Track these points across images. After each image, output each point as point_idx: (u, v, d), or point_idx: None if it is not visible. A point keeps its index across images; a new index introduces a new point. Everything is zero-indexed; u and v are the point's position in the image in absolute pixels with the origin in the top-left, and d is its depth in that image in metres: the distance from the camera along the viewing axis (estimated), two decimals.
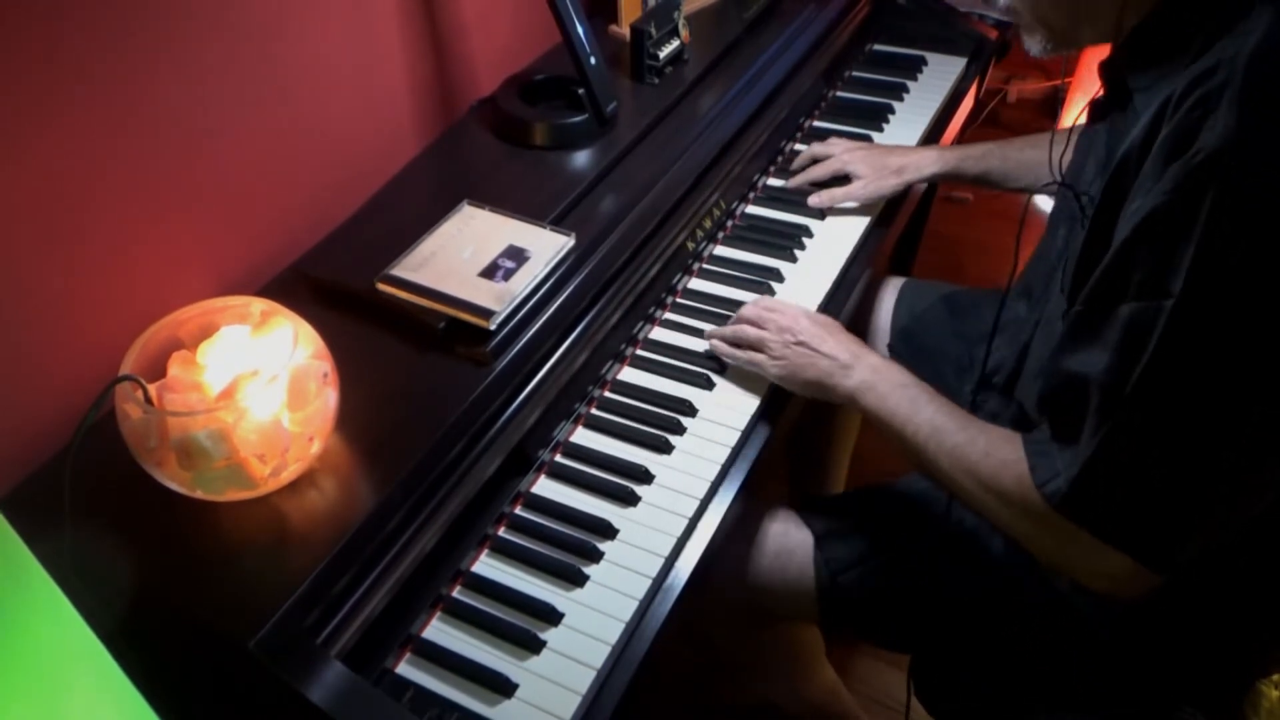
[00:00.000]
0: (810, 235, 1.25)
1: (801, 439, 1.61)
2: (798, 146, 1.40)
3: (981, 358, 1.05)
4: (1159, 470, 0.70)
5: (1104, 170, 0.82)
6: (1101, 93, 0.87)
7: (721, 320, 1.12)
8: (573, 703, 0.79)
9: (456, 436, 0.86)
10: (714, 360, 1.07)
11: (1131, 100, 0.80)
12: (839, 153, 1.29)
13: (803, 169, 1.32)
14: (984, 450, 0.83)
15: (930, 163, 1.26)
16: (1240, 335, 0.66)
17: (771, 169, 1.36)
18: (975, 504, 0.84)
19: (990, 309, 1.22)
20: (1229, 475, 0.70)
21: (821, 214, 1.28)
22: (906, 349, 1.29)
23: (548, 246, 0.99)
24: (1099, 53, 0.83)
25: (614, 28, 1.37)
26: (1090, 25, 0.81)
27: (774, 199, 1.31)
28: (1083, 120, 0.92)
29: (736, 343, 1.05)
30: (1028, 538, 0.81)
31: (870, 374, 0.94)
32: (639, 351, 1.10)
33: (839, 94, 1.51)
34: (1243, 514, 0.74)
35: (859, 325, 1.33)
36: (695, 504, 0.94)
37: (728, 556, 1.06)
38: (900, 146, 1.33)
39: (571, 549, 0.90)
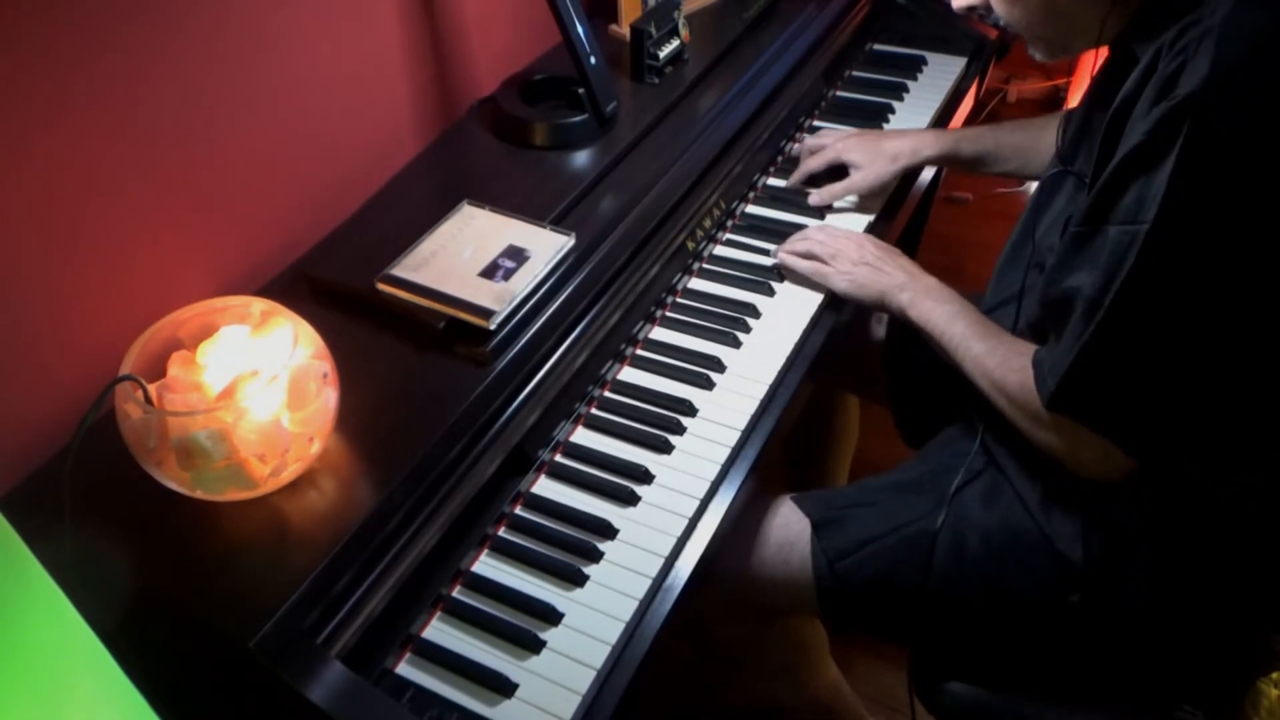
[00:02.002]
0: None
1: (802, 441, 1.61)
2: (798, 146, 1.40)
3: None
4: (1134, 369, 0.80)
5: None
6: (1107, 61, 0.93)
7: (722, 320, 1.12)
8: (573, 703, 0.79)
9: (456, 436, 0.86)
10: (714, 360, 1.07)
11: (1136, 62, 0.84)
12: (832, 142, 1.29)
13: (799, 164, 1.31)
14: (1000, 358, 0.94)
15: (927, 145, 1.26)
16: (1205, 254, 0.74)
17: (771, 169, 1.36)
18: (991, 401, 0.95)
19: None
20: (1194, 372, 0.80)
21: (821, 213, 1.28)
22: (904, 352, 1.29)
23: (548, 246, 0.99)
24: (1102, 54, 0.86)
25: (614, 28, 1.37)
26: (1079, 37, 0.89)
27: (774, 199, 1.31)
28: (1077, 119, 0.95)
29: (807, 254, 1.16)
30: (1027, 431, 0.91)
31: (922, 293, 1.08)
32: (639, 351, 1.10)
33: (839, 94, 1.51)
34: (1207, 406, 0.83)
35: (858, 322, 1.33)
36: (695, 504, 0.94)
37: (730, 552, 1.06)
38: (894, 130, 1.34)
39: (571, 549, 0.90)
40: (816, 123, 1.45)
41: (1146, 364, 0.79)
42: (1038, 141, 1.23)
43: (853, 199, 1.28)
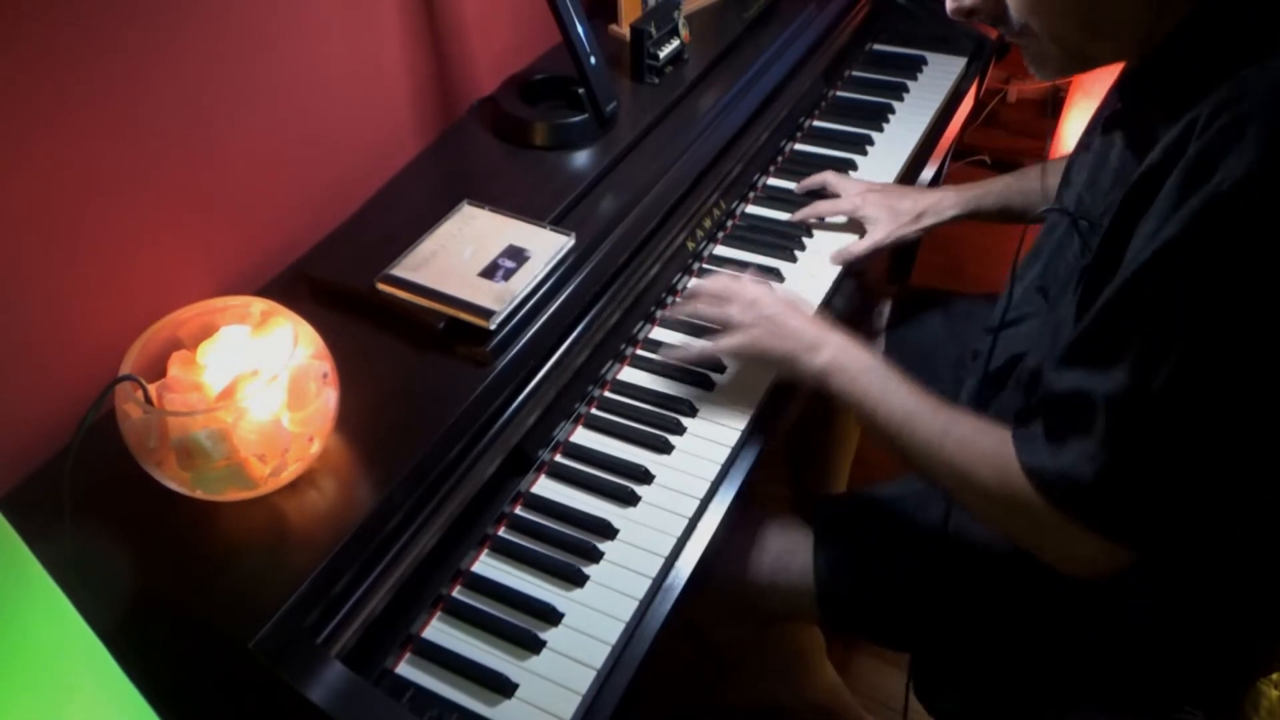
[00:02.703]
0: (810, 235, 1.25)
1: (802, 441, 1.61)
2: (798, 146, 1.40)
3: (984, 352, 1.05)
4: (1159, 481, 0.73)
5: (1120, 182, 0.82)
6: (1114, 107, 0.86)
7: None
8: (573, 703, 0.79)
9: (456, 436, 0.86)
10: (714, 360, 1.07)
11: (1150, 118, 0.79)
12: (852, 194, 1.23)
13: (808, 192, 1.29)
14: (959, 440, 0.83)
15: (950, 205, 1.22)
16: (1250, 365, 0.68)
17: (771, 169, 1.36)
18: (947, 488, 0.86)
19: (987, 314, 1.22)
20: (1225, 483, 0.74)
21: (822, 217, 1.27)
22: (903, 356, 1.29)
23: (548, 246, 0.99)
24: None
25: (614, 28, 1.37)
26: (1112, 41, 0.79)
27: (774, 199, 1.31)
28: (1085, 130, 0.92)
29: (692, 321, 1.04)
30: (1001, 524, 0.84)
31: (839, 353, 0.93)
32: (639, 351, 1.10)
33: (839, 94, 1.51)
34: (1232, 509, 0.78)
35: (860, 319, 1.33)
36: (695, 504, 0.94)
37: (729, 557, 1.06)
38: (913, 188, 1.29)
39: (571, 549, 0.90)
40: (817, 123, 1.45)
41: (1176, 471, 0.73)
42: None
43: (841, 218, 1.25)
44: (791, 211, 1.28)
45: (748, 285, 1.02)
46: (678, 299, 1.16)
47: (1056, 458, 0.77)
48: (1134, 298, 0.71)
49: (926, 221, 1.21)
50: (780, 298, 1.00)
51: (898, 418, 0.87)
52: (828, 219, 1.26)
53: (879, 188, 1.26)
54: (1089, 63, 0.82)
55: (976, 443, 0.82)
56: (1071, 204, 0.92)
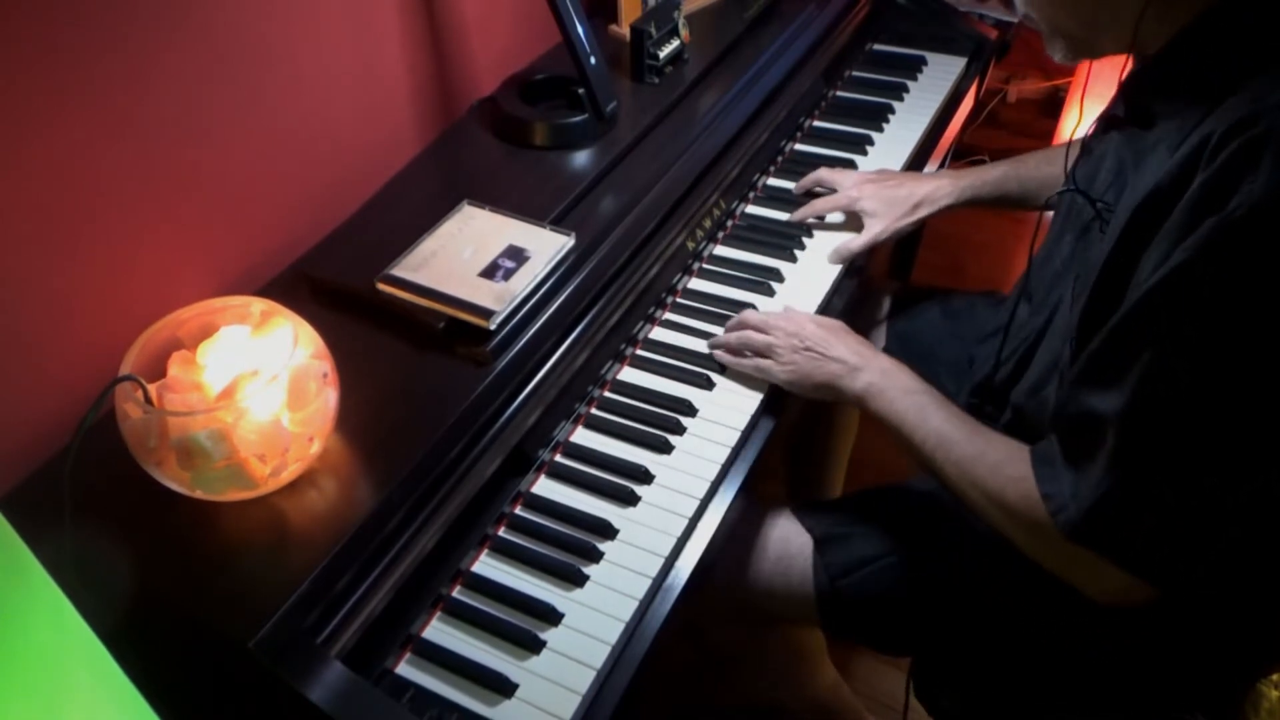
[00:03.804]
0: (810, 236, 1.25)
1: (799, 442, 1.61)
2: (798, 146, 1.40)
3: (979, 360, 1.05)
4: (1169, 507, 0.72)
5: (1119, 180, 0.82)
6: (1116, 107, 0.86)
7: (722, 320, 1.12)
8: (573, 703, 0.79)
9: (456, 436, 0.86)
10: (714, 360, 1.07)
11: (1155, 122, 0.79)
12: (848, 187, 1.23)
13: (805, 191, 1.28)
14: (991, 465, 0.84)
15: (946, 194, 1.21)
16: (1257, 392, 0.67)
17: (771, 169, 1.36)
18: (980, 513, 0.86)
19: (986, 312, 1.22)
20: (1236, 511, 0.73)
21: (821, 215, 1.27)
22: (902, 352, 1.29)
23: (548, 246, 0.99)
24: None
25: (614, 28, 1.37)
26: (1107, 35, 0.80)
27: (774, 199, 1.31)
28: (1093, 127, 0.91)
29: (741, 349, 1.05)
30: (1032, 550, 0.83)
31: (879, 377, 0.95)
32: (639, 351, 1.10)
33: (839, 94, 1.51)
34: (1248, 533, 0.76)
35: (856, 329, 1.33)
36: (695, 504, 0.94)
37: (729, 562, 1.06)
38: (910, 175, 1.28)
39: (571, 549, 0.90)
40: (817, 123, 1.45)
41: (1184, 497, 0.72)
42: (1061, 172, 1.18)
43: (840, 216, 1.25)
44: (791, 211, 1.28)
45: (793, 315, 1.05)
46: (677, 299, 1.16)
47: (1066, 480, 0.77)
48: (1144, 319, 0.70)
49: (923, 211, 1.20)
50: (824, 323, 1.03)
51: (932, 441, 0.88)
52: (827, 217, 1.25)
53: (874, 177, 1.25)
54: (1093, 50, 0.82)
55: (1006, 466, 0.83)
56: (1069, 201, 0.92)
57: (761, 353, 1.03)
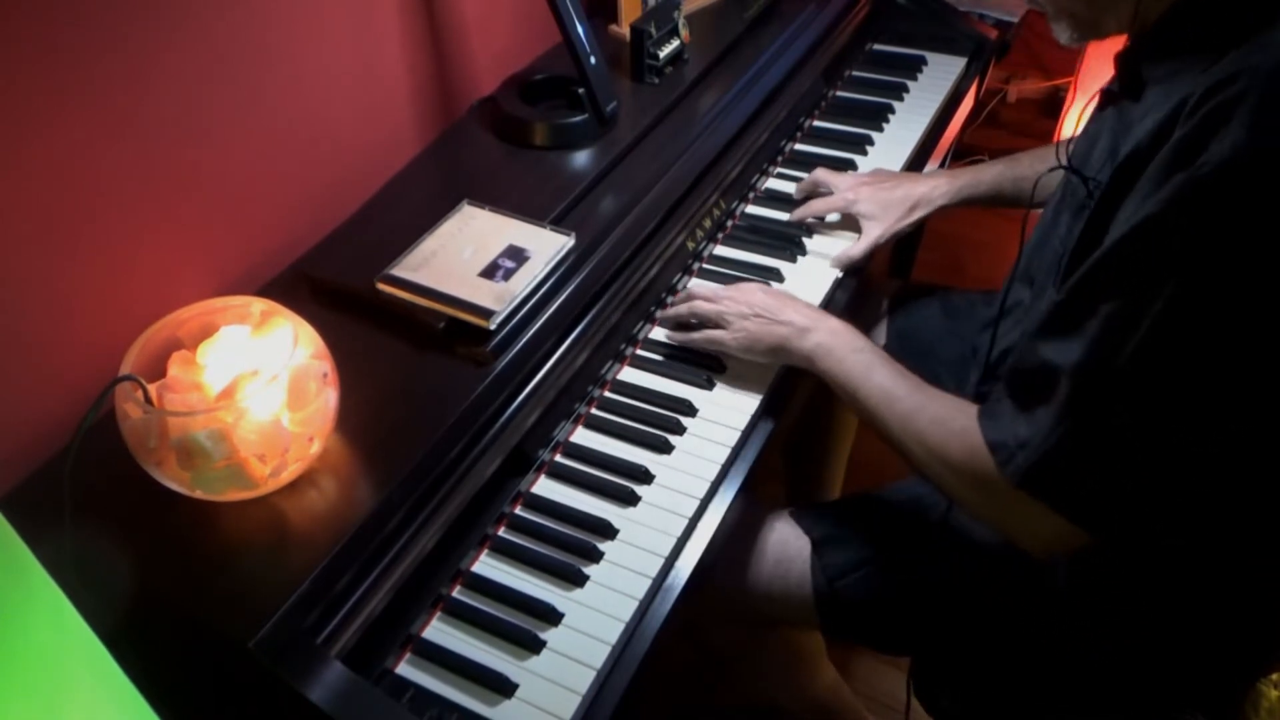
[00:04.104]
0: (810, 236, 1.25)
1: (798, 444, 1.61)
2: (798, 146, 1.40)
3: (982, 350, 1.05)
4: (1121, 454, 0.73)
5: (1111, 158, 0.82)
6: (1114, 81, 0.86)
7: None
8: (573, 703, 0.79)
9: (456, 436, 0.86)
10: (714, 360, 1.07)
11: (1145, 90, 0.79)
12: (843, 189, 1.23)
13: (803, 198, 1.28)
14: (933, 417, 0.86)
15: (941, 194, 1.21)
16: (1214, 339, 0.68)
17: (772, 169, 1.36)
18: (921, 468, 0.88)
19: (986, 310, 1.22)
20: (1182, 462, 0.74)
21: (819, 216, 1.27)
22: (902, 350, 1.29)
23: (548, 246, 0.99)
24: (1101, 54, 0.83)
25: (614, 28, 1.37)
26: (1111, 15, 0.81)
27: (774, 199, 1.31)
28: (1091, 110, 0.91)
29: (689, 320, 1.08)
30: (972, 503, 0.85)
31: (828, 337, 0.98)
32: (639, 351, 1.10)
33: (839, 94, 1.51)
34: (1190, 490, 0.78)
35: (856, 326, 1.33)
36: (695, 504, 0.94)
37: (728, 565, 1.06)
38: (906, 175, 1.28)
39: (571, 549, 0.90)
40: (817, 123, 1.45)
41: (1134, 449, 0.73)
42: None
43: (837, 215, 1.25)
44: (791, 212, 1.28)
45: (741, 286, 1.07)
46: (675, 298, 1.16)
47: (1016, 430, 0.78)
48: (1107, 271, 0.71)
49: (920, 212, 1.21)
50: (772, 291, 1.05)
51: (876, 396, 0.91)
52: (825, 217, 1.25)
53: (869, 179, 1.25)
54: (1098, 29, 0.83)
55: (949, 421, 0.85)
56: (1064, 182, 0.93)
57: (712, 323, 1.05)
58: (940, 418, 0.86)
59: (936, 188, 1.22)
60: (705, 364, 1.07)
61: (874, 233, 1.20)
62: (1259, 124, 0.63)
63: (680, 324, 1.09)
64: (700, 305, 1.06)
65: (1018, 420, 0.78)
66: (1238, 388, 0.70)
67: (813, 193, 1.28)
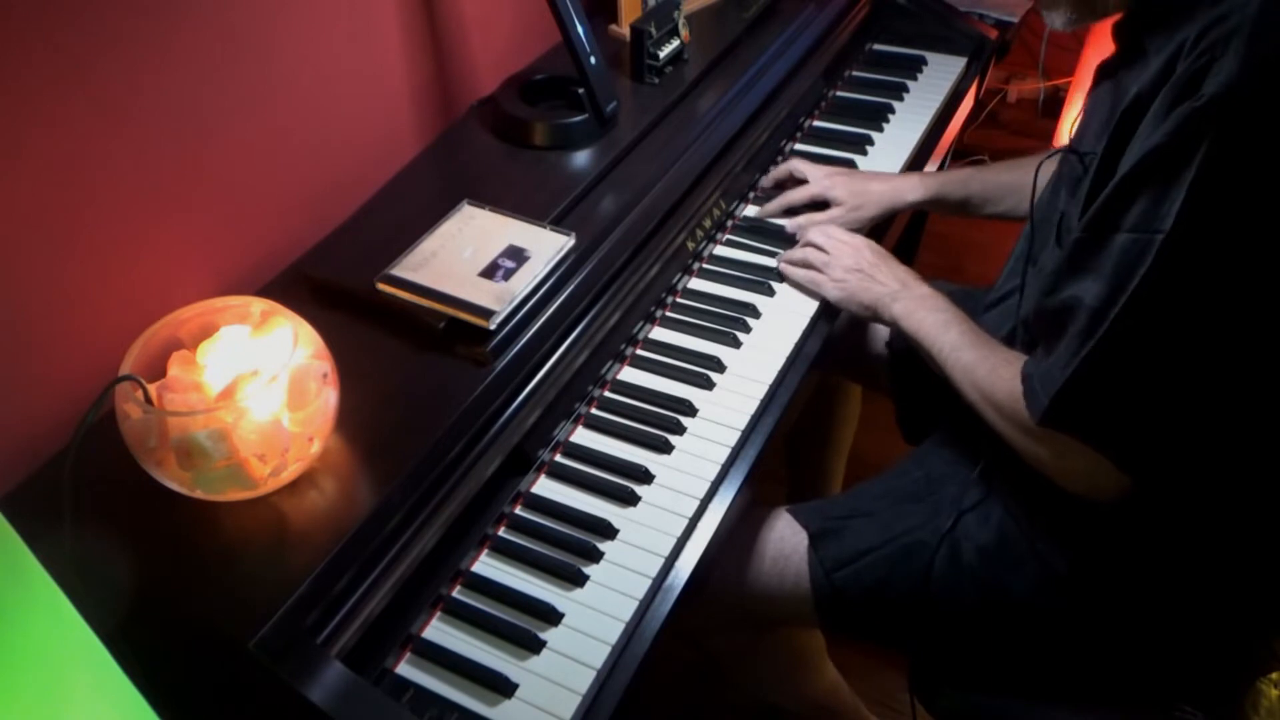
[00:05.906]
0: None
1: (798, 443, 1.61)
2: (798, 146, 1.40)
3: (989, 329, 1.05)
4: (1137, 384, 0.76)
5: (1107, 126, 0.83)
6: (1112, 54, 0.88)
7: (723, 319, 1.12)
8: (573, 703, 0.79)
9: (456, 436, 0.86)
10: (713, 360, 1.07)
11: (1145, 55, 0.80)
12: (819, 178, 1.25)
13: (776, 184, 1.29)
14: (990, 367, 0.92)
15: (912, 190, 1.24)
16: (1223, 266, 0.71)
17: (772, 169, 1.36)
18: (978, 412, 0.93)
19: (984, 296, 1.22)
20: (1199, 392, 0.77)
21: (796, 205, 1.26)
22: (902, 345, 1.29)
23: (548, 246, 0.99)
24: (1100, 53, 0.83)
25: (614, 28, 1.37)
26: None
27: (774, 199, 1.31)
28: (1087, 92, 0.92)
29: (803, 263, 1.16)
30: (1017, 445, 0.89)
31: (915, 302, 1.06)
32: (639, 351, 1.10)
33: (839, 94, 1.51)
34: (1209, 425, 0.80)
35: (856, 325, 1.33)
36: (695, 504, 0.94)
37: (727, 567, 1.06)
38: (881, 173, 1.30)
39: (571, 549, 0.90)
40: (817, 123, 1.45)
41: (1150, 379, 0.76)
42: (1029, 179, 1.19)
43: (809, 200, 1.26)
44: (792, 212, 1.27)
45: (854, 239, 1.15)
46: (677, 299, 1.15)
47: (1040, 366, 0.82)
48: (1121, 203, 0.74)
49: (889, 204, 1.24)
50: (879, 250, 1.14)
51: (946, 350, 0.98)
52: (797, 205, 1.26)
53: (844, 172, 1.27)
54: (1094, 10, 0.85)
55: (1001, 369, 0.90)
56: (1061, 161, 0.94)
57: (817, 266, 1.14)
58: (994, 367, 0.91)
59: (908, 182, 1.25)
60: (705, 364, 1.07)
61: (838, 212, 1.23)
62: (1250, 54, 0.66)
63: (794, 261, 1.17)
64: (812, 254, 1.15)
65: (1044, 359, 0.83)
66: (1248, 310, 0.72)
67: (785, 181, 1.29)
